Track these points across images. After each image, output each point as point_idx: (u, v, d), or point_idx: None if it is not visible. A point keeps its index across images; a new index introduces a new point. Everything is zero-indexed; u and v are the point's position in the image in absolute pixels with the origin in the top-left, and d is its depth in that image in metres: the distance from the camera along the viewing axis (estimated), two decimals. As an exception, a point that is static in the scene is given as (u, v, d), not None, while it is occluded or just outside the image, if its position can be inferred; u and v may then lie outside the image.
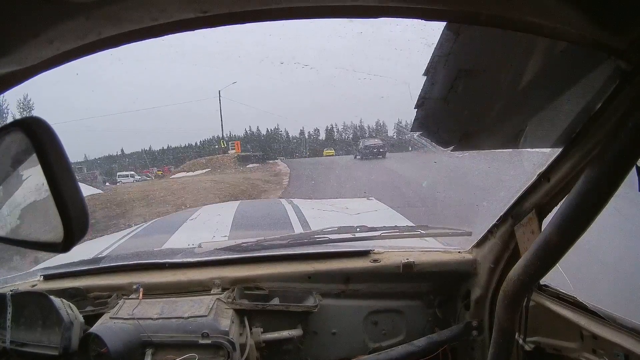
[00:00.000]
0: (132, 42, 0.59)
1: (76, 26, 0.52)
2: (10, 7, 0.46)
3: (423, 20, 0.62)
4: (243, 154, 22.37)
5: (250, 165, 19.55)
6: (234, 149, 24.31)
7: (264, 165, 19.43)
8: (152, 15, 0.54)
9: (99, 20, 0.52)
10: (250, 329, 1.58)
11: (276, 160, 21.53)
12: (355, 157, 16.71)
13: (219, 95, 24.19)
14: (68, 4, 0.47)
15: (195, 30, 0.59)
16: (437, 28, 0.77)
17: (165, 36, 0.59)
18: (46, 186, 0.56)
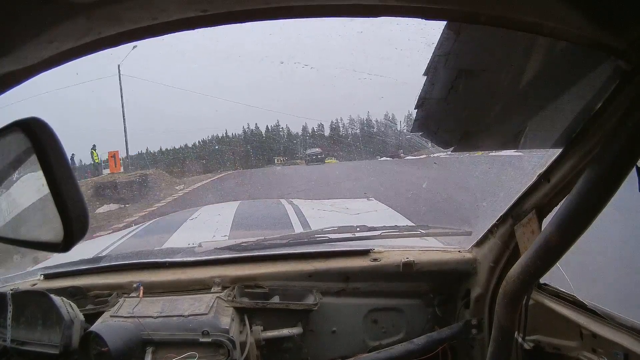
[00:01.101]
0: (132, 41, 0.59)
1: (76, 26, 0.52)
2: (10, 7, 0.46)
3: (423, 20, 0.62)
4: (123, 177, 12.69)
5: (101, 209, 10.69)
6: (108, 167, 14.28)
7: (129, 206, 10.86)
8: (152, 15, 0.54)
9: (99, 20, 0.52)
10: (251, 327, 1.58)
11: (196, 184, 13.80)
12: (306, 163, 19.44)
13: (119, 71, 17.03)
14: (68, 3, 0.47)
15: (196, 30, 0.59)
16: (437, 27, 0.77)
17: (165, 35, 0.59)
18: (46, 186, 0.56)
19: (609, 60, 0.79)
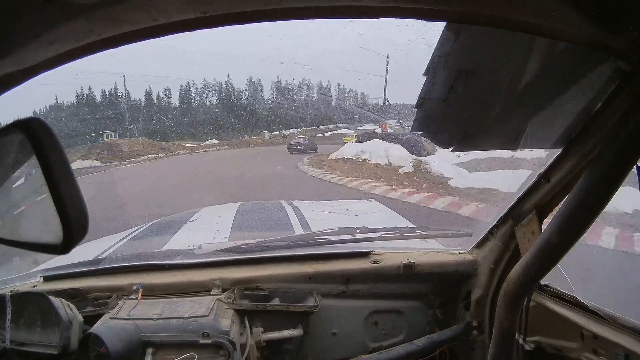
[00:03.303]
0: (132, 42, 0.59)
1: (76, 27, 0.52)
2: (10, 8, 0.46)
3: (423, 21, 0.62)
4: None
5: None
6: None
7: None
8: (152, 16, 0.54)
9: (99, 21, 0.52)
10: (251, 329, 1.58)
11: None
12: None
13: None
14: (68, 5, 0.47)
15: (195, 31, 0.59)
16: (437, 28, 0.77)
17: (165, 36, 0.59)
18: (46, 187, 0.56)
19: (609, 60, 0.79)
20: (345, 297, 1.74)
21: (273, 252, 1.81)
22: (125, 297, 1.59)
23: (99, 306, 1.60)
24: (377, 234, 1.92)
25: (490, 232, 1.55)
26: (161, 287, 1.65)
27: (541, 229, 1.26)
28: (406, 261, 1.70)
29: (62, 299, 1.48)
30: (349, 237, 1.91)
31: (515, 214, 1.37)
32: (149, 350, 1.36)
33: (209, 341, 1.37)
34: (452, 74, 0.89)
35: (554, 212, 1.19)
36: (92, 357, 1.36)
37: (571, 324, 1.23)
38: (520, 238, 1.36)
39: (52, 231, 0.58)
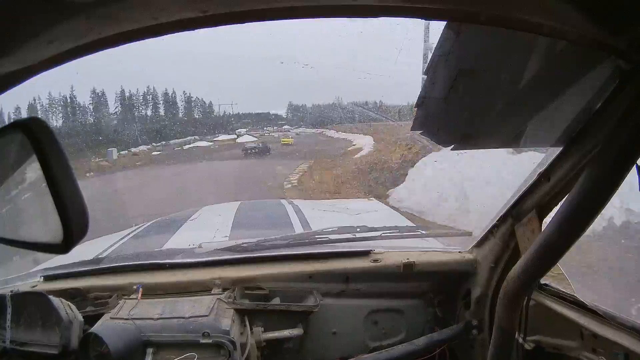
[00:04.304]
0: (133, 41, 0.59)
1: (76, 26, 0.51)
2: (10, 7, 0.46)
3: (423, 20, 0.62)
4: None
5: None
6: None
7: None
8: (153, 15, 0.54)
9: (99, 20, 0.52)
10: (251, 329, 1.58)
11: None
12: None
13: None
14: (68, 4, 0.47)
15: (196, 30, 0.59)
16: (437, 28, 0.77)
17: (165, 35, 0.59)
18: (46, 187, 0.56)
19: (609, 60, 0.79)
20: (345, 296, 1.75)
21: (273, 251, 1.81)
22: (125, 297, 1.59)
23: (99, 306, 1.60)
24: (377, 233, 1.92)
25: (490, 231, 1.55)
26: (161, 286, 1.65)
27: (541, 228, 1.26)
28: (406, 260, 1.70)
29: (62, 299, 1.49)
30: (349, 236, 1.91)
31: (515, 213, 1.37)
32: (150, 350, 1.36)
33: (210, 341, 1.37)
34: (453, 73, 0.88)
35: (554, 211, 1.19)
36: (93, 357, 1.36)
37: (571, 323, 1.23)
38: (520, 237, 1.36)
39: (52, 230, 0.58)
